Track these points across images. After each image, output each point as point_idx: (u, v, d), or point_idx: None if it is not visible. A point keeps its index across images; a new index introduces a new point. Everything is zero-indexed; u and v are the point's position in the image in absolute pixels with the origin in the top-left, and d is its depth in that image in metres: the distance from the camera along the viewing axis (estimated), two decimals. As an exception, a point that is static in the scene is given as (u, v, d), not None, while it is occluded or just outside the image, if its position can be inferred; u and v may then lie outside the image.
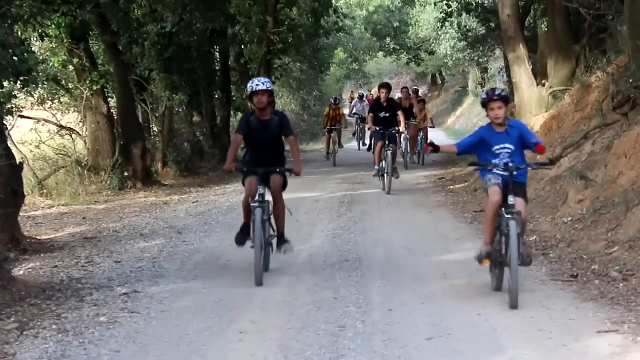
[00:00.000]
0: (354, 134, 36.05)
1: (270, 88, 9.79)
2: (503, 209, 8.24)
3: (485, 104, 8.50)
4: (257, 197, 9.53)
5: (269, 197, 9.87)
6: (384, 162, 17.33)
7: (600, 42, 17.26)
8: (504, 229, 8.20)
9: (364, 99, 35.67)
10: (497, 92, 8.52)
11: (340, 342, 6.91)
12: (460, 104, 56.73)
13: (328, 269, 10.03)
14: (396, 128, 17.64)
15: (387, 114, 17.62)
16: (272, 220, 10.01)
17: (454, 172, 21.41)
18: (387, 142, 17.32)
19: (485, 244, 8.52)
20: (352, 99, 38.45)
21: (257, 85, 9.76)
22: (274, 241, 10.12)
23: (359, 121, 33.53)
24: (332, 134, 26.52)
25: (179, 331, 7.39)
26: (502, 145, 8.48)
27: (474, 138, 8.75)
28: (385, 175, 17.40)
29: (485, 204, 8.95)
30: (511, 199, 8.20)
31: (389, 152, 17.10)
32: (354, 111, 35.02)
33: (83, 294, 8.95)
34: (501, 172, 8.41)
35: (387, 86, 18.41)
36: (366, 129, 28.78)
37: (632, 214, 9.92)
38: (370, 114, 18.04)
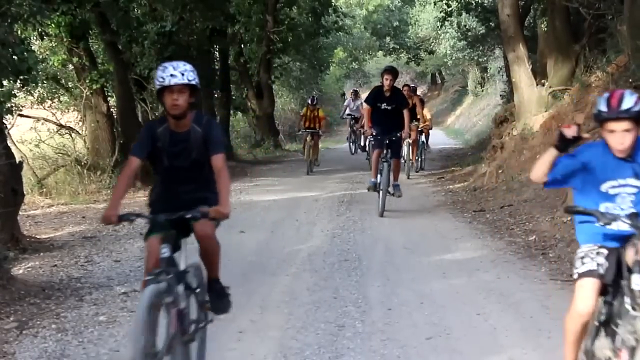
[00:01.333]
0: (348, 139, 31.84)
1: (192, 81, 5.95)
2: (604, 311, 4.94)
3: (601, 122, 5.02)
4: (158, 267, 5.86)
5: (190, 256, 6.32)
6: (379, 175, 14.30)
7: (600, 42, 17.25)
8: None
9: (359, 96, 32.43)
10: (624, 107, 4.91)
11: (339, 342, 6.92)
12: (460, 103, 56.76)
13: (327, 269, 10.03)
14: (397, 134, 14.23)
15: (390, 107, 14.22)
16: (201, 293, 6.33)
17: (454, 172, 21.41)
18: (386, 151, 14.25)
19: None
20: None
21: (171, 76, 5.91)
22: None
23: (352, 122, 30.18)
24: (308, 138, 22.96)
25: (178, 330, 7.38)
26: (621, 182, 5.05)
27: (571, 163, 5.15)
28: (379, 192, 14.25)
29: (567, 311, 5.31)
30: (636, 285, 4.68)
31: (385, 165, 14.11)
32: (347, 112, 30.90)
33: (82, 294, 8.96)
34: (625, 229, 4.93)
35: (392, 71, 14.53)
36: (361, 132, 25.92)
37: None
38: (367, 107, 14.69)
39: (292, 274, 9.82)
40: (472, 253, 10.80)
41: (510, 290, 8.59)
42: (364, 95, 28.03)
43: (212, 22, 24.61)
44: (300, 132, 24.80)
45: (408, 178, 20.22)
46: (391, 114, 14.31)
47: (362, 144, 27.91)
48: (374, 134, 14.42)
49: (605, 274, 5.01)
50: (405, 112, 14.33)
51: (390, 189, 14.46)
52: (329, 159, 26.92)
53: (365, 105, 15.21)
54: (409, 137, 17.01)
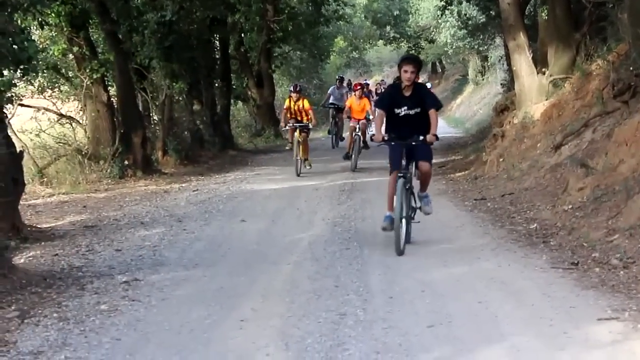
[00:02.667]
0: (329, 132, 28.99)
1: None
2: None
3: None
4: None
5: None
6: (399, 200, 10.13)
7: (600, 30, 17.23)
8: None
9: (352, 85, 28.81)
10: None
11: (341, 330, 6.92)
12: (460, 92, 56.72)
13: (329, 257, 10.03)
14: (420, 138, 10.27)
15: (413, 111, 10.33)
16: None
17: (455, 160, 21.40)
18: (405, 161, 10.42)
19: None
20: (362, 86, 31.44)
21: None
22: None
23: (334, 112, 27.18)
24: (296, 134, 19.24)
25: (179, 319, 7.40)
26: None
27: None
28: (402, 221, 10.14)
29: None
30: None
31: (401, 181, 10.21)
32: (330, 100, 27.67)
33: (84, 283, 8.96)
34: None
35: (415, 61, 10.55)
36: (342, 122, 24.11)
37: (632, 202, 9.91)
38: (380, 111, 10.68)
39: (294, 263, 9.82)
40: (473, 241, 10.79)
41: (511, 279, 8.58)
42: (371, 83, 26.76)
43: (212, 11, 24.61)
44: (286, 128, 20.40)
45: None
46: (414, 120, 10.37)
47: (343, 135, 26.42)
48: (386, 139, 10.41)
49: None
50: (433, 114, 10.31)
51: (417, 203, 10.94)
52: (329, 147, 26.82)
53: (377, 110, 11.12)
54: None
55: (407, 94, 10.32)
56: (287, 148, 21.12)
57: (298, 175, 18.73)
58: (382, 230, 10.31)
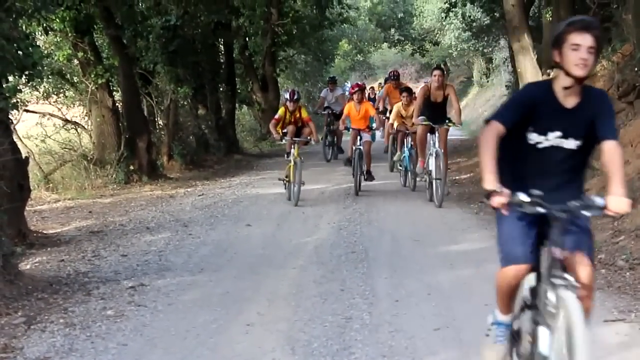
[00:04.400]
0: (324, 142, 23.26)
1: None
2: None
3: None
4: None
5: None
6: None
7: (605, 31, 17.19)
8: None
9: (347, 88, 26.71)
10: None
11: (347, 334, 6.92)
12: (465, 94, 56.58)
13: (334, 261, 10.04)
14: (599, 204, 4.70)
15: (574, 145, 4.85)
16: None
17: (460, 163, 21.38)
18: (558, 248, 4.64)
19: None
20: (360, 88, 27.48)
21: None
22: None
23: (331, 119, 23.14)
24: (293, 151, 15.05)
25: (186, 324, 7.40)
26: None
27: None
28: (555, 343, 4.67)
29: None
30: None
31: (566, 295, 4.55)
32: (325, 105, 23.76)
33: (90, 288, 8.97)
34: None
35: (595, 27, 4.61)
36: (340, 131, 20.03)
37: (638, 203, 9.90)
38: (497, 125, 4.74)
39: (299, 267, 9.82)
40: (479, 244, 10.77)
41: (517, 281, 8.57)
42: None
43: (216, 15, 24.59)
44: (282, 141, 16.00)
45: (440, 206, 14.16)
46: (566, 161, 4.94)
47: (342, 147, 22.87)
48: (524, 201, 4.58)
49: None
50: (615, 151, 4.74)
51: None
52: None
53: (495, 125, 4.78)
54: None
55: (570, 103, 4.85)
56: (281, 179, 16.15)
57: (296, 205, 14.71)
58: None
